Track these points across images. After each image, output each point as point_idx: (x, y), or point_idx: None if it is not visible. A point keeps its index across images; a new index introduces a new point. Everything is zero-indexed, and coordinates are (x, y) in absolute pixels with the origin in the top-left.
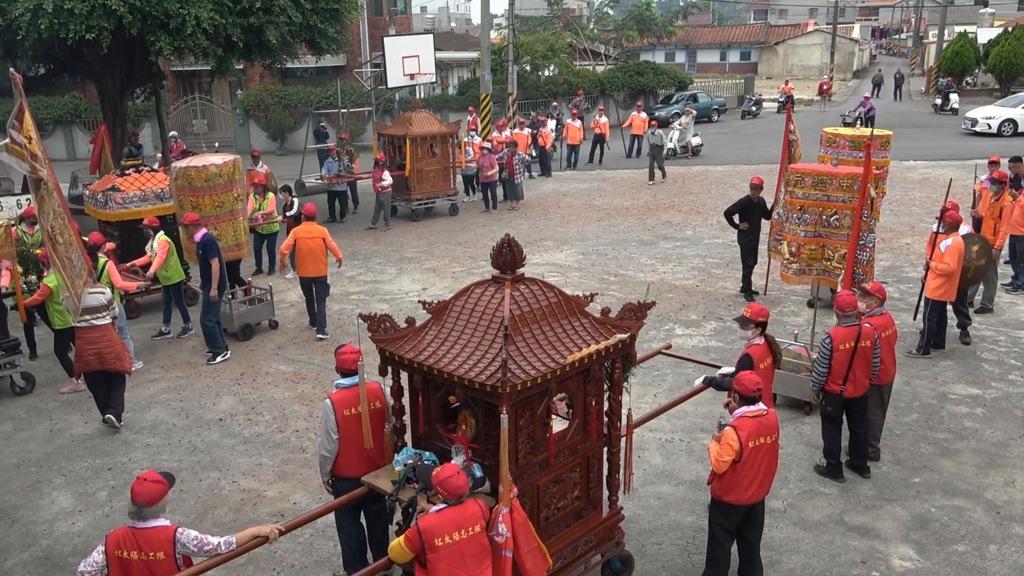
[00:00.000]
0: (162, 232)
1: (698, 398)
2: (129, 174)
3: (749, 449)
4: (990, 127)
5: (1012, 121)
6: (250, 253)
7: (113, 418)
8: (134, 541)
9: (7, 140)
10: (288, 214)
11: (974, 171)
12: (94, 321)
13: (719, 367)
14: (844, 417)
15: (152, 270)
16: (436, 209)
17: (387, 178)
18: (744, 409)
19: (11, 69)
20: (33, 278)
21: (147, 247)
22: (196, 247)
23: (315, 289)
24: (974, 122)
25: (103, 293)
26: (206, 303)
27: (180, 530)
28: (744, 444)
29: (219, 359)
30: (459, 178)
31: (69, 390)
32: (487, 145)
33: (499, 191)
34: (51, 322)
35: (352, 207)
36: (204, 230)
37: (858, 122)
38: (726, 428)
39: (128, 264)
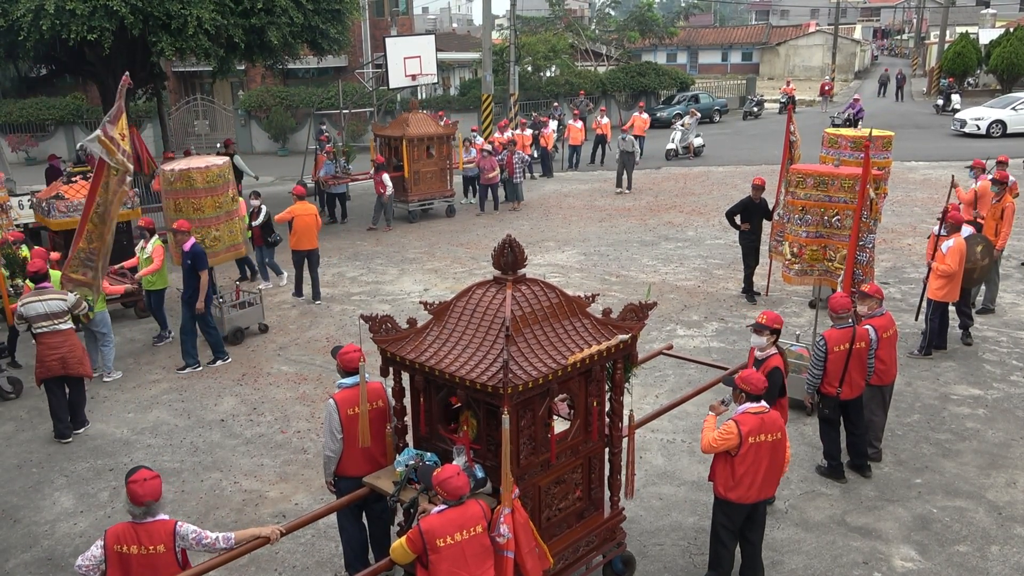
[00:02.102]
0: (157, 236)
1: (700, 399)
2: (76, 181)
3: (749, 444)
4: (979, 128)
5: (1001, 122)
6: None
7: (70, 431)
8: (135, 536)
9: (99, 132)
10: (255, 223)
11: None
12: (59, 326)
13: (723, 368)
14: (841, 418)
15: (144, 273)
16: (433, 211)
17: (387, 180)
18: (748, 406)
19: (126, 73)
20: (20, 282)
21: (137, 248)
22: (184, 256)
23: (309, 260)
24: (963, 123)
25: (64, 299)
26: (200, 317)
27: (179, 524)
28: (744, 438)
29: (220, 362)
30: (457, 179)
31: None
32: (487, 147)
33: (500, 192)
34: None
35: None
36: (193, 239)
37: (858, 124)
38: (728, 421)
39: (117, 266)
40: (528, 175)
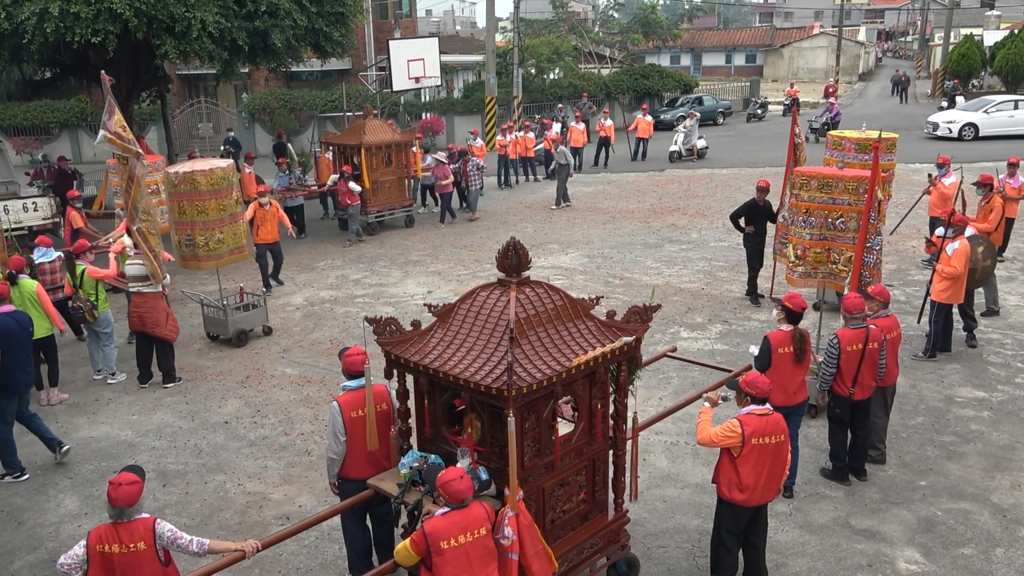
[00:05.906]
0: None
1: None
2: None
3: (752, 445)
4: (951, 131)
5: (973, 125)
6: (251, 257)
7: (147, 379)
8: (116, 535)
9: (104, 132)
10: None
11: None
12: (142, 289)
13: (727, 370)
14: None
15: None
16: (389, 221)
17: (356, 188)
18: (752, 407)
19: (103, 72)
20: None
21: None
22: None
23: (272, 253)
24: (935, 126)
25: (144, 265)
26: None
27: (158, 521)
28: (747, 439)
29: (8, 479)
30: (419, 186)
31: (45, 402)
32: (441, 156)
33: (456, 201)
34: None
35: (329, 213)
36: (11, 306)
37: (838, 127)
38: (732, 419)
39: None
40: (532, 177)
